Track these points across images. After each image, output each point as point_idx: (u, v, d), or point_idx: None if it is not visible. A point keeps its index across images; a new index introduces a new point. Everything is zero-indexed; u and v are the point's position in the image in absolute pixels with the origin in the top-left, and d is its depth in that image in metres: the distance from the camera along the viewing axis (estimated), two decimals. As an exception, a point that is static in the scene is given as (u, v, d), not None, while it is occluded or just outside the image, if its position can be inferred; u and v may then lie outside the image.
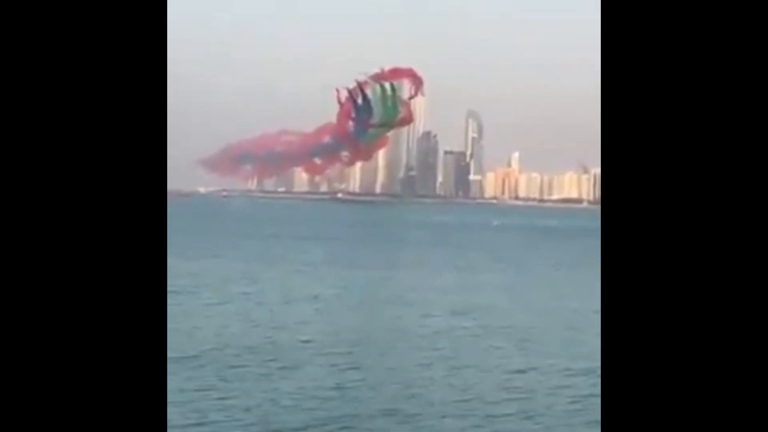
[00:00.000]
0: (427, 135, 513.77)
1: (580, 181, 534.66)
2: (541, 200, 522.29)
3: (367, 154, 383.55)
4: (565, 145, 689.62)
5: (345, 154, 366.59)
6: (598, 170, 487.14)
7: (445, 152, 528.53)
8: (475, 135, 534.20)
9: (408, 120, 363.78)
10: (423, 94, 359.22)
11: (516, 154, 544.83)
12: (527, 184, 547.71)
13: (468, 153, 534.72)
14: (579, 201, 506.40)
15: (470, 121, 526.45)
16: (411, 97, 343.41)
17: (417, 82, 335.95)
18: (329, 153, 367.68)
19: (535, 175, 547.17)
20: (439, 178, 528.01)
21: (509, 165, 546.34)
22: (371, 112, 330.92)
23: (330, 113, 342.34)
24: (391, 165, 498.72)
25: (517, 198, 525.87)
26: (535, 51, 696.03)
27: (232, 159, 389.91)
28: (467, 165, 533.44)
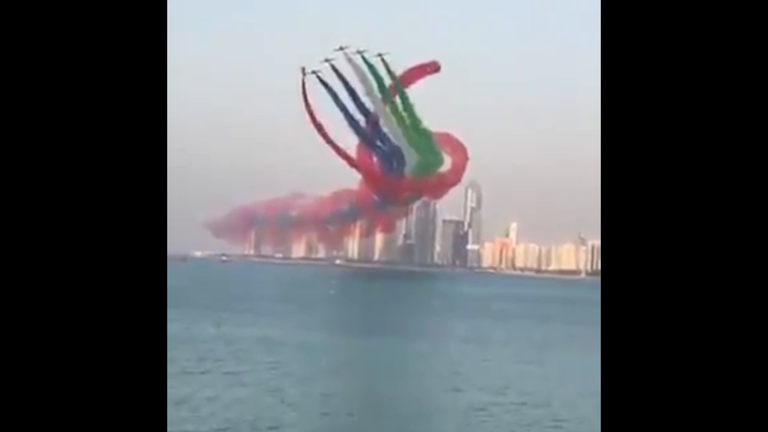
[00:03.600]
0: (425, 204, 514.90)
1: (577, 253, 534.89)
2: (539, 270, 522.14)
3: (388, 225, 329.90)
4: (564, 217, 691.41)
5: (363, 223, 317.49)
6: (595, 242, 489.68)
7: (444, 221, 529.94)
8: (474, 205, 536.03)
9: (453, 179, 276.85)
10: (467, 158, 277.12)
11: (514, 225, 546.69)
12: (525, 255, 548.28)
13: (466, 222, 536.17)
14: (577, 272, 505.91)
15: (470, 191, 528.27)
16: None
17: (460, 149, 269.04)
18: (345, 221, 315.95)
19: (533, 245, 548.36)
20: (437, 247, 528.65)
21: (507, 235, 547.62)
22: (401, 159, 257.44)
23: (352, 178, 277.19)
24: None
25: (514, 268, 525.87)
26: (536, 119, 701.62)
27: (241, 222, 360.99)
28: (465, 234, 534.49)
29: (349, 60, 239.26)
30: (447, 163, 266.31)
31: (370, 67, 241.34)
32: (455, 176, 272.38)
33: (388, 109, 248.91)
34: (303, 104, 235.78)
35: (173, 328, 59.27)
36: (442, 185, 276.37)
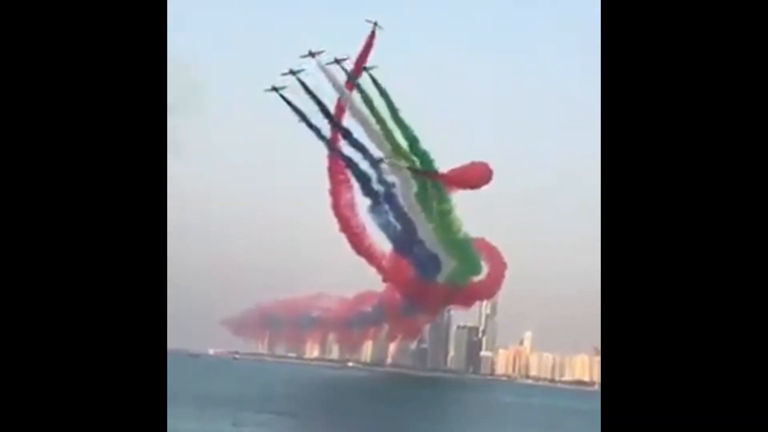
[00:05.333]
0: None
1: (591, 364, 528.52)
2: (552, 380, 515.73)
3: (413, 332, 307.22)
4: (579, 326, 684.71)
5: (386, 328, 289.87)
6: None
7: (458, 327, 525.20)
8: (489, 311, 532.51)
9: (490, 290, 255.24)
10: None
11: (528, 333, 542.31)
12: (539, 364, 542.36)
13: (481, 329, 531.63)
14: (590, 384, 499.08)
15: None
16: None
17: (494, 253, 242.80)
18: (367, 324, 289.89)
19: (547, 354, 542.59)
20: (451, 353, 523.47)
21: (521, 343, 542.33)
22: (437, 265, 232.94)
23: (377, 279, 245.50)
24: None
25: (528, 377, 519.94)
26: (549, 227, 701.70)
27: (258, 321, 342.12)
28: (479, 341, 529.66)
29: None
30: (483, 272, 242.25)
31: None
32: (492, 287, 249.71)
33: (428, 215, 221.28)
34: (332, 205, 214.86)
35: (190, 426, 59.96)
36: (476, 295, 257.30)
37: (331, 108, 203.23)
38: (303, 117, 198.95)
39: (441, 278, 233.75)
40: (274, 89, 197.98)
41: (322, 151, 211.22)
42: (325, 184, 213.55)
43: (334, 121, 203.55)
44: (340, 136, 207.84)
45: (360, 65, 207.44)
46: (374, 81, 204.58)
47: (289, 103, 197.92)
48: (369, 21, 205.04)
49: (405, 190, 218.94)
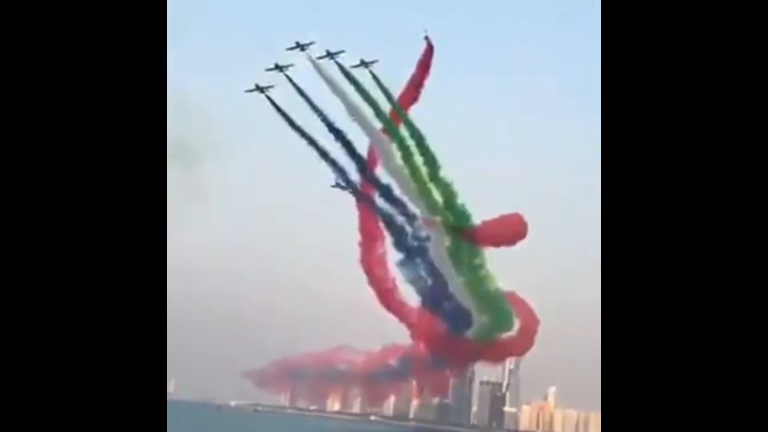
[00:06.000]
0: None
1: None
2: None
3: (441, 388, 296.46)
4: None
5: (413, 383, 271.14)
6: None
7: (481, 382, 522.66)
8: (513, 367, 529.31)
9: (523, 346, 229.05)
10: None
11: (553, 389, 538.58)
12: (563, 420, 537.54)
13: (504, 384, 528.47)
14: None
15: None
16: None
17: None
18: (393, 379, 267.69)
19: (571, 411, 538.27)
20: (474, 408, 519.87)
21: (545, 399, 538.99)
22: (468, 321, 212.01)
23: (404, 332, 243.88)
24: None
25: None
26: (576, 285, 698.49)
27: (282, 373, 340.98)
28: (503, 396, 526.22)
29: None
30: (515, 328, 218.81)
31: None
32: (525, 343, 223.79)
33: (459, 269, 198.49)
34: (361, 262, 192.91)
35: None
36: (507, 352, 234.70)
37: (363, 151, 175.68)
38: (325, 156, 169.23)
39: (471, 333, 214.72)
40: (259, 89, 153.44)
41: (351, 202, 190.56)
42: (354, 234, 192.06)
43: (367, 174, 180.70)
44: (373, 189, 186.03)
45: (410, 97, 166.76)
46: (412, 132, 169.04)
47: (278, 109, 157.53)
48: (424, 32, 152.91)
49: (437, 243, 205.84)
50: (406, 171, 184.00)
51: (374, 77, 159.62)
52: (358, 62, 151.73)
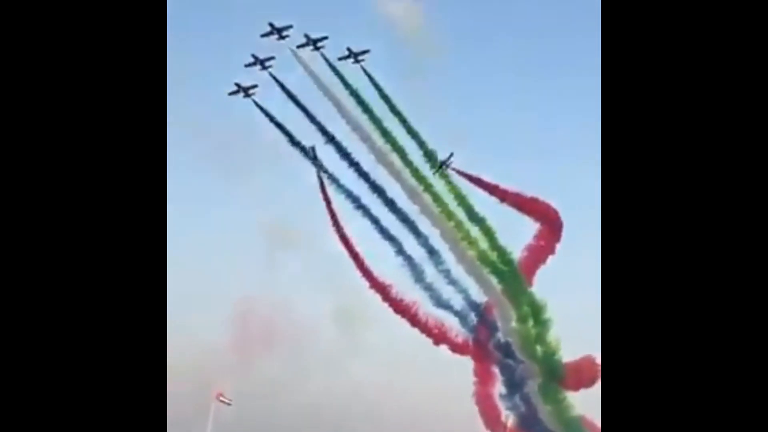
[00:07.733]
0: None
1: None
2: None
3: None
4: None
5: None
6: None
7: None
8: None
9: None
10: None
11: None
12: None
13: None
14: None
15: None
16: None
17: None
18: None
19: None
20: None
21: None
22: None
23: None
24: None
25: None
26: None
27: None
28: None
29: None
30: None
31: None
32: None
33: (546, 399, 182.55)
34: None
35: None
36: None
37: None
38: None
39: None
40: (242, 90, 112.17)
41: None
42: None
43: (491, 336, 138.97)
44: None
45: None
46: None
47: (270, 116, 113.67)
48: None
49: (530, 380, 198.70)
50: (520, 333, 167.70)
51: (373, 81, 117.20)
52: (345, 53, 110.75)
